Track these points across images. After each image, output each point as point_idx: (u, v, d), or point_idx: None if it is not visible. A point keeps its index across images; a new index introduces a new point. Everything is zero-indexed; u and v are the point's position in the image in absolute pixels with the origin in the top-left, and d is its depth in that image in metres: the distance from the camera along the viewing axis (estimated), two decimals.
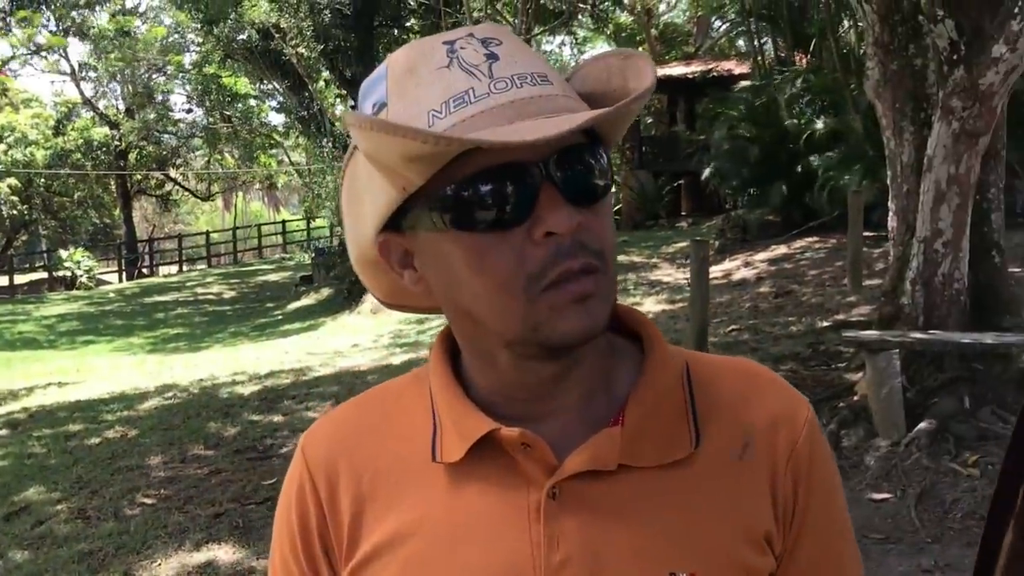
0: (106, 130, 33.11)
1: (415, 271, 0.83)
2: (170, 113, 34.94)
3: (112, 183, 34.57)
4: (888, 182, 6.27)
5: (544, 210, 0.74)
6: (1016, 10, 5.10)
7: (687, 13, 26.33)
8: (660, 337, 0.88)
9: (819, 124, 12.87)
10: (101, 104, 35.45)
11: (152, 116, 33.26)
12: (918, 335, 5.40)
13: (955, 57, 5.43)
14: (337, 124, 20.60)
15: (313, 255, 22.65)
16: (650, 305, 10.82)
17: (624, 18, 25.24)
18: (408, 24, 21.24)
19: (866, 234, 10.27)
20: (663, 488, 0.82)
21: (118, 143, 32.75)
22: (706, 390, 0.86)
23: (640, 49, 24.66)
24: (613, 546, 0.80)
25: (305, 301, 19.51)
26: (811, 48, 15.21)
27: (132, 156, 34.26)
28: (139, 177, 35.54)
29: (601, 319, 0.78)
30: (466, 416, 0.83)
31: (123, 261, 32.16)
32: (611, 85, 0.82)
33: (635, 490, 0.81)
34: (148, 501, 5.69)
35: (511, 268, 0.75)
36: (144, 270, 32.99)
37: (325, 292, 19.33)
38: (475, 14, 16.19)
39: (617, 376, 0.86)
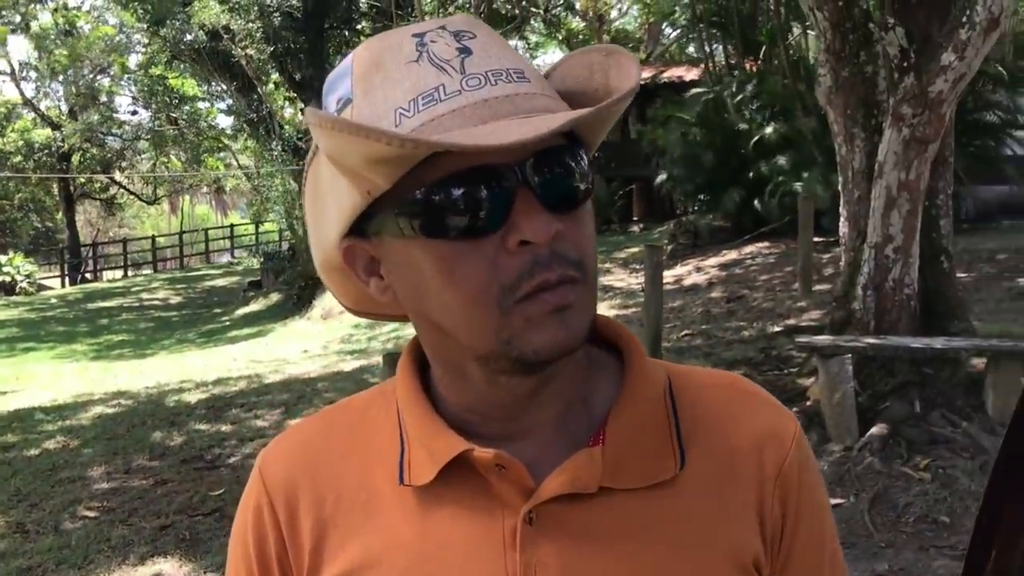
0: (48, 132, 32.39)
1: (381, 279, 0.78)
2: (115, 115, 34.31)
3: (54, 186, 33.82)
4: (839, 188, 6.33)
5: (519, 217, 0.69)
6: (964, 19, 5.17)
7: (638, 20, 26.53)
8: (641, 349, 0.83)
9: (769, 130, 13.01)
10: (43, 105, 34.67)
11: (96, 118, 32.62)
12: (870, 340, 5.44)
13: (905, 64, 5.50)
14: (287, 127, 20.37)
15: (262, 260, 22.36)
16: (603, 310, 10.69)
17: (576, 24, 25.35)
18: (359, 27, 21.10)
19: (816, 239, 10.39)
20: (647, 512, 0.77)
21: (61, 145, 32.04)
22: (690, 406, 0.81)
23: None
24: (594, 575, 0.75)
25: (254, 307, 19.23)
26: (761, 55, 15.39)
27: (75, 159, 33.55)
28: (82, 180, 34.81)
29: (580, 332, 0.72)
30: (436, 436, 0.78)
31: (66, 266, 31.43)
32: (592, 83, 0.77)
33: (617, 514, 0.76)
34: (90, 514, 5.52)
35: (483, 278, 0.70)
36: (88, 275, 32.27)
37: (274, 297, 19.07)
38: (426, 17, 16.11)
39: (596, 391, 0.81)
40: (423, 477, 0.77)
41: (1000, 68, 11.42)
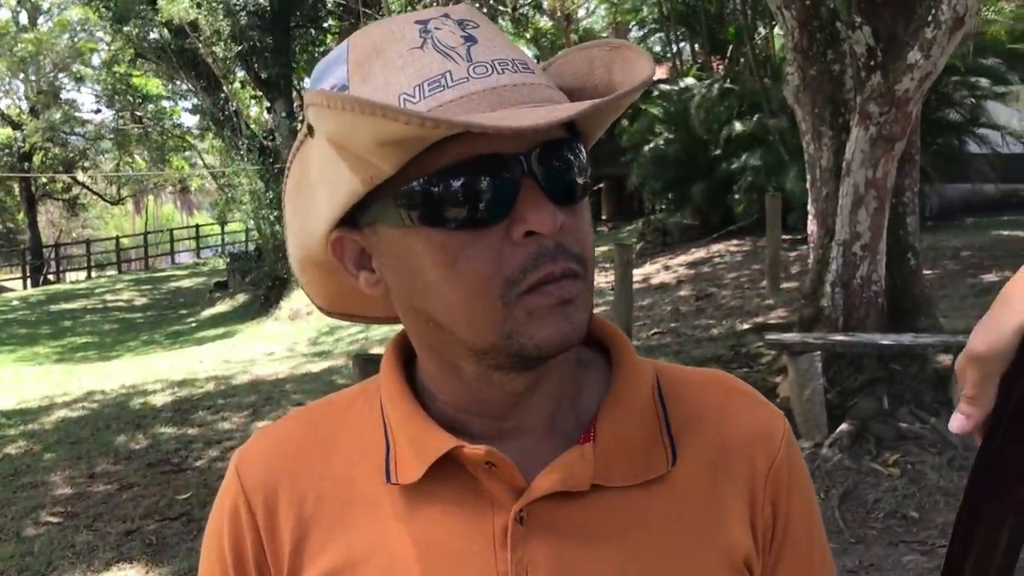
0: (8, 131, 31.85)
1: (372, 272, 0.76)
2: (77, 114, 33.82)
3: (15, 186, 33.27)
4: (807, 186, 6.36)
5: (525, 208, 0.68)
6: (930, 18, 5.21)
7: (605, 19, 26.60)
8: (630, 348, 0.81)
9: (737, 128, 13.08)
10: (3, 103, 34.14)
11: (58, 116, 32.12)
12: (839, 337, 5.48)
13: (872, 63, 5.53)
14: (253, 126, 20.18)
15: (228, 260, 22.15)
16: None
17: (544, 23, 25.37)
18: (326, 25, 20.95)
19: (783, 237, 10.46)
20: (638, 509, 0.75)
21: (21, 144, 31.51)
22: (679, 404, 0.81)
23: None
24: (587, 574, 0.74)
25: (220, 308, 19.05)
26: (728, 53, 15.48)
27: (37, 158, 33.02)
28: (44, 180, 34.28)
29: (581, 327, 0.71)
30: (424, 432, 0.76)
31: (27, 267, 30.91)
32: (593, 78, 0.75)
33: (609, 512, 0.75)
34: (53, 520, 5.43)
35: (487, 270, 0.68)
36: (50, 277, 31.79)
37: (241, 298, 18.91)
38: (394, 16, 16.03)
39: (585, 389, 0.80)
40: (410, 475, 0.75)
41: (960, 66, 11.58)
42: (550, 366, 0.74)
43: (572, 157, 0.71)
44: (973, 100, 12.28)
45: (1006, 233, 11.49)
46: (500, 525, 0.74)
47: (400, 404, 0.78)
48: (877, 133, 5.48)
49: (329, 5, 20.21)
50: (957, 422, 0.61)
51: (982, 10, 11.36)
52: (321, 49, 20.54)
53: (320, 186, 0.74)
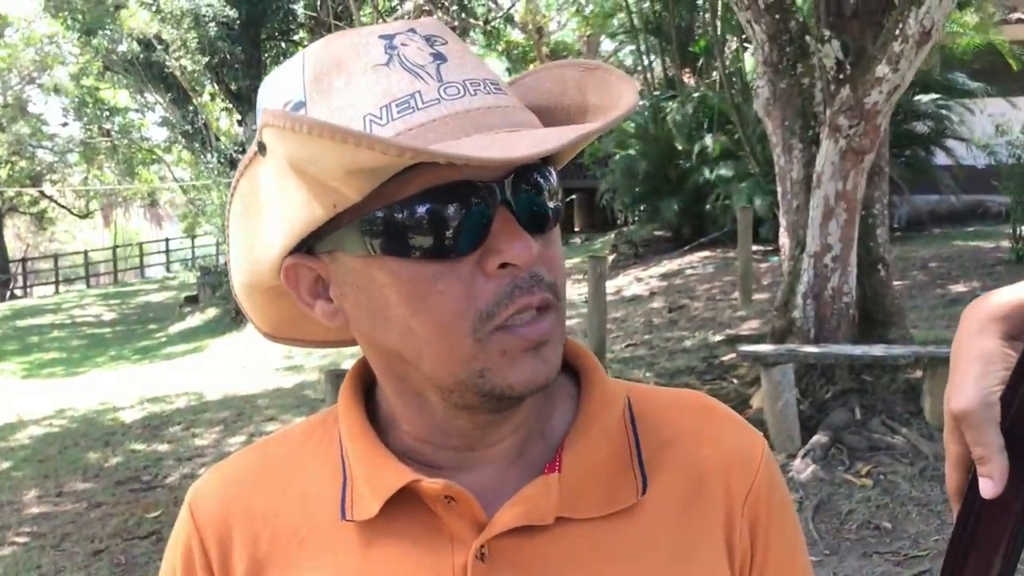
0: None
1: (330, 302, 0.71)
2: (45, 127, 33.43)
3: None
4: (778, 198, 6.40)
5: (499, 238, 0.64)
6: (897, 32, 5.27)
7: (576, 32, 26.72)
8: (600, 370, 0.78)
9: (708, 141, 13.16)
10: None
11: (25, 130, 31.74)
12: (812, 348, 5.51)
13: (841, 76, 5.59)
14: (223, 139, 20.07)
15: (198, 274, 21.94)
16: None
17: (516, 36, 25.45)
18: (296, 38, 20.89)
19: (755, 248, 10.52)
20: (607, 543, 0.72)
21: None
22: (652, 428, 0.77)
23: (531, 67, 24.97)
24: None
25: (190, 322, 18.85)
26: (699, 67, 15.59)
27: (3, 171, 32.63)
28: (11, 194, 33.85)
29: (555, 367, 0.68)
30: (381, 466, 0.72)
31: None
32: (565, 99, 0.72)
33: (575, 546, 0.71)
34: (19, 540, 5.33)
35: (459, 304, 0.65)
36: (17, 292, 31.35)
37: (211, 312, 18.72)
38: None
39: (552, 415, 0.76)
40: (366, 512, 0.72)
41: (929, 78, 11.74)
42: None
43: (544, 183, 0.68)
44: (939, 112, 12.43)
45: (972, 244, 11.63)
46: (460, 562, 0.70)
47: (358, 437, 0.75)
48: (847, 145, 5.53)
49: (300, 18, 20.17)
50: (989, 487, 0.57)
51: (947, 24, 11.53)
52: None
53: (273, 210, 0.69)
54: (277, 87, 0.69)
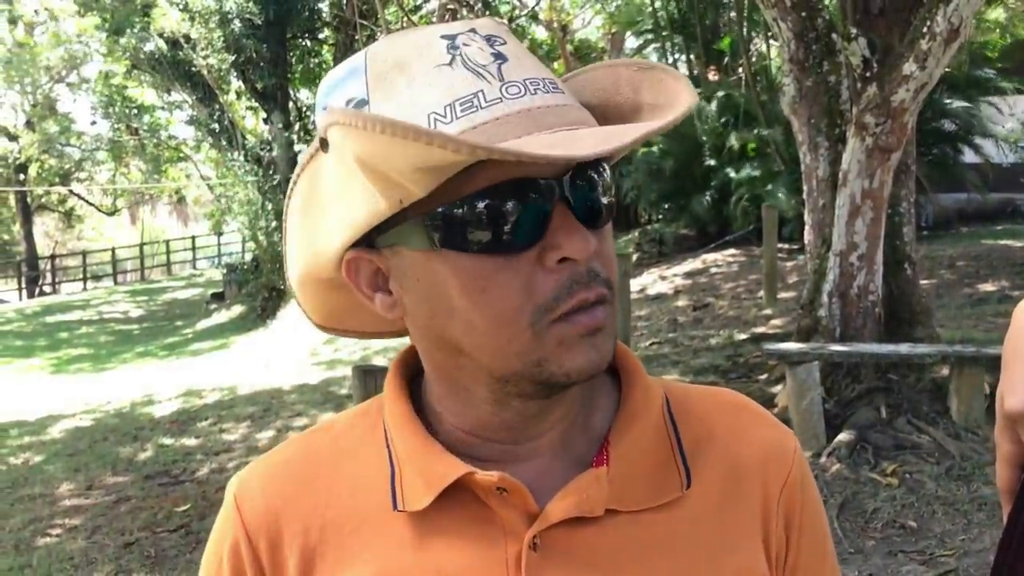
0: (4, 142, 31.81)
1: (389, 294, 0.73)
2: (73, 125, 33.78)
3: (11, 198, 33.22)
4: (804, 196, 6.38)
5: (558, 233, 0.66)
6: (924, 30, 5.24)
7: (601, 30, 26.66)
8: (641, 368, 0.80)
9: (733, 139, 13.12)
10: None
11: (54, 128, 32.09)
12: (837, 347, 5.49)
13: (868, 74, 5.56)
14: (249, 137, 20.19)
15: (225, 271, 22.09)
16: None
17: (540, 34, 25.43)
18: (321, 36, 20.97)
19: (780, 247, 10.48)
20: (654, 533, 0.74)
21: (17, 156, 31.48)
22: (690, 425, 0.80)
23: (556, 65, 24.93)
24: None
25: (216, 319, 19.00)
26: (724, 64, 15.52)
27: (32, 170, 32.99)
28: (40, 192, 34.25)
29: (609, 355, 0.70)
30: (433, 458, 0.74)
31: (23, 279, 30.85)
32: (617, 97, 0.74)
33: (624, 537, 0.73)
34: (53, 531, 5.42)
35: (518, 297, 0.67)
36: (46, 288, 31.70)
37: (237, 309, 18.86)
38: (391, 27, 16.06)
39: (595, 411, 0.78)
40: (419, 502, 0.73)
41: (957, 75, 11.64)
42: (568, 390, 0.73)
43: (599, 179, 0.70)
44: (968, 110, 12.32)
45: (1001, 243, 11.53)
46: (513, 553, 0.72)
47: (406, 427, 0.76)
48: (873, 144, 5.51)
49: (325, 16, 20.24)
50: None
51: (976, 20, 11.43)
52: (317, 60, 20.56)
53: (335, 204, 0.71)
54: (338, 85, 0.71)
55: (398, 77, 0.68)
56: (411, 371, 0.80)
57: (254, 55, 18.87)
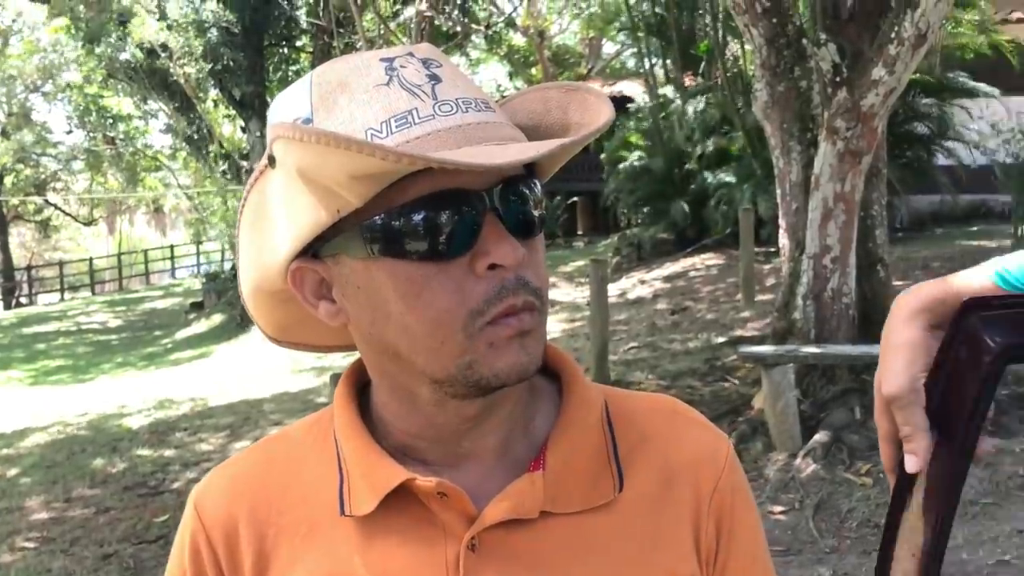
0: None
1: (332, 303, 0.77)
2: (49, 135, 33.54)
3: None
4: (777, 200, 6.45)
5: (488, 241, 0.70)
6: (893, 35, 5.32)
7: (578, 35, 26.76)
8: (580, 375, 0.84)
9: (710, 144, 13.20)
10: None
11: (29, 138, 31.85)
12: (811, 349, 5.55)
13: (838, 79, 5.63)
14: (227, 145, 20.13)
15: (204, 280, 22.00)
16: (550, 324, 10.84)
17: (517, 40, 25.49)
18: (299, 44, 20.95)
19: (757, 250, 10.55)
20: (587, 535, 0.78)
21: None
22: (627, 430, 0.83)
23: (533, 71, 24.99)
24: None
25: (196, 328, 18.91)
26: (700, 69, 15.61)
27: (8, 180, 32.73)
28: (15, 202, 33.96)
29: (538, 358, 0.74)
30: (377, 465, 0.77)
31: None
32: (548, 118, 0.79)
33: (558, 538, 0.77)
34: (29, 545, 5.39)
35: (451, 302, 0.71)
36: (22, 299, 31.45)
37: (217, 318, 18.77)
38: (368, 34, 16.06)
39: (536, 417, 0.82)
40: (364, 507, 0.77)
41: (930, 79, 11.76)
42: (505, 393, 0.76)
43: (530, 193, 0.74)
44: (940, 113, 12.45)
45: (975, 243, 11.65)
46: (453, 554, 0.75)
47: (353, 436, 0.79)
48: (844, 148, 5.57)
49: (303, 24, 20.23)
50: (912, 463, 0.64)
51: (944, 25, 11.56)
52: (295, 68, 20.53)
53: (281, 217, 0.74)
54: (286, 105, 0.75)
55: (340, 95, 0.71)
56: (361, 380, 0.83)
57: (231, 63, 18.83)
